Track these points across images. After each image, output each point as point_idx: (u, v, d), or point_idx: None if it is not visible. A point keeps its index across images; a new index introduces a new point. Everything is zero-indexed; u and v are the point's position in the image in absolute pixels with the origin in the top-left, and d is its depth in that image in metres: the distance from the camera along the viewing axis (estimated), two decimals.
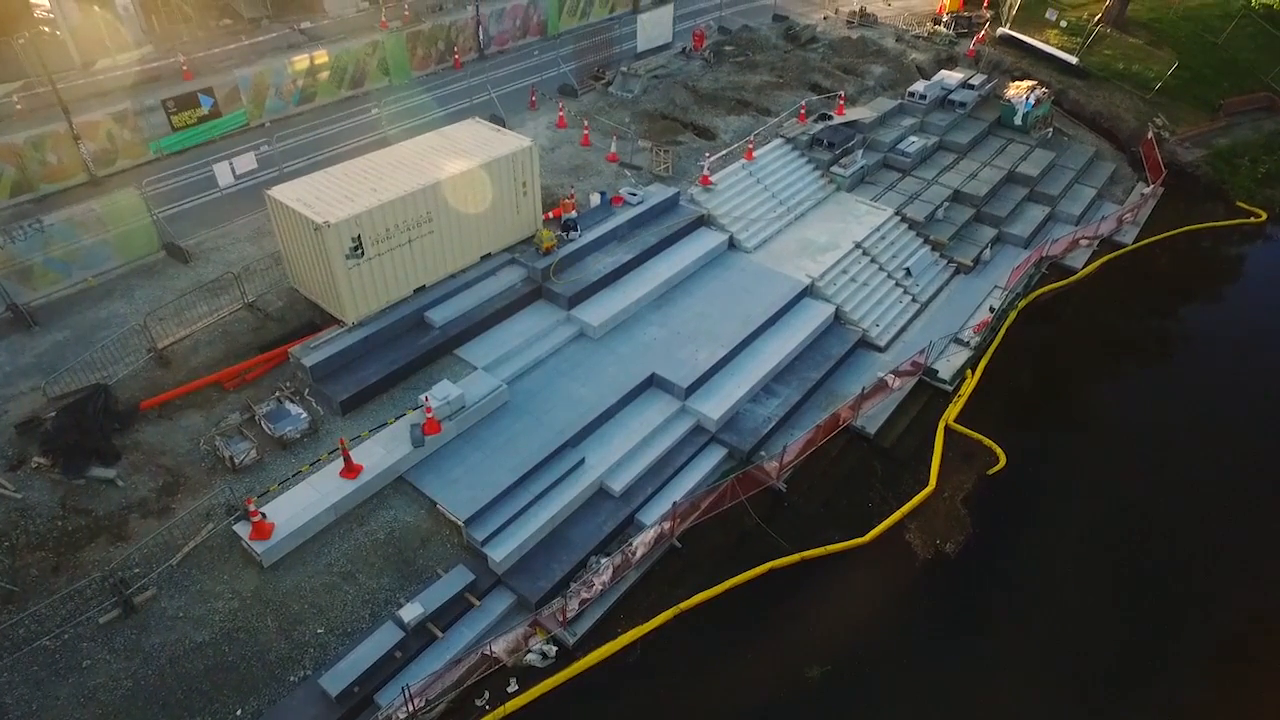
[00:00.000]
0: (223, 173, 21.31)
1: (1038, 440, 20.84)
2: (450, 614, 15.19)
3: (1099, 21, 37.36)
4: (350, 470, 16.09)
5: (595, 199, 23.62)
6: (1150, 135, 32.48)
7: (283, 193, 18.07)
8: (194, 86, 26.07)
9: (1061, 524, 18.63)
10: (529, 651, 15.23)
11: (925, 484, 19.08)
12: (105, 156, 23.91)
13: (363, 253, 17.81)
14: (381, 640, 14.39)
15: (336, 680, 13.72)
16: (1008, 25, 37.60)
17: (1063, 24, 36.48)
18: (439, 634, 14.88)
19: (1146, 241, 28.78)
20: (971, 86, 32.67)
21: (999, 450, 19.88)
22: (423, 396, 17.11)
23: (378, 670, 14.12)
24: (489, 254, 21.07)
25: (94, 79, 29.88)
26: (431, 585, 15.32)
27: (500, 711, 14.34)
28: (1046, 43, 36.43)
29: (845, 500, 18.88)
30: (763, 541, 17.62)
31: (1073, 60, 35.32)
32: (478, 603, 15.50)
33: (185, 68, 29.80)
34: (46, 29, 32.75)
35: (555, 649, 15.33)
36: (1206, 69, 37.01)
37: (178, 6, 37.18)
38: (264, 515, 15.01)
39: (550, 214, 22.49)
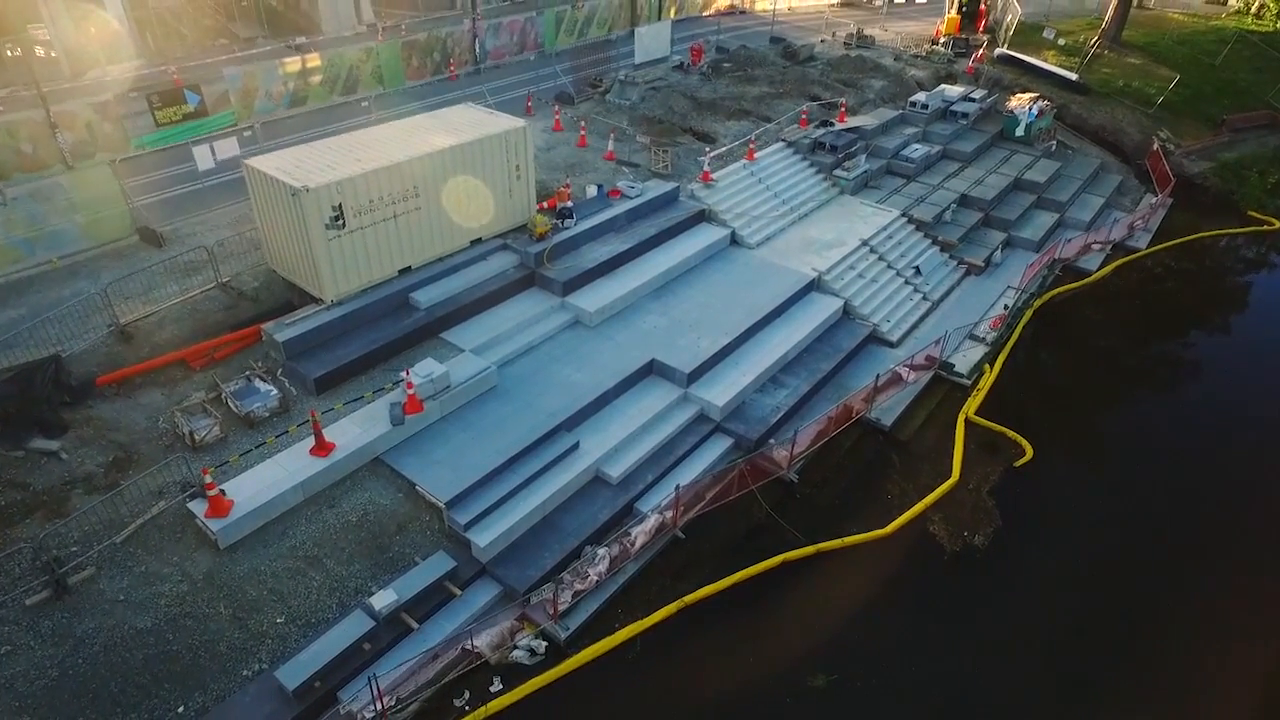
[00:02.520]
0: (203, 156, 20.37)
1: (1060, 434, 19.45)
2: (428, 604, 13.55)
3: (1096, 43, 37.37)
4: (321, 448, 14.66)
5: (592, 191, 22.72)
6: (1156, 147, 32.01)
7: (262, 162, 17.07)
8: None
9: (1093, 520, 17.12)
10: (515, 647, 13.58)
11: (947, 476, 17.65)
12: (84, 149, 23.03)
13: (344, 223, 16.72)
14: (349, 630, 12.75)
15: (295, 673, 12.05)
16: (1005, 46, 37.60)
17: (1061, 42, 36.45)
18: (414, 625, 13.24)
19: (1161, 246, 27.96)
20: (973, 99, 32.36)
21: (1025, 443, 18.50)
22: (404, 371, 15.80)
23: (343, 663, 12.45)
24: (479, 239, 20.02)
25: (81, 84, 29.38)
26: (407, 572, 13.75)
27: (482, 712, 12.62)
28: (1045, 61, 36.32)
29: (862, 492, 17.41)
30: (774, 534, 16.10)
31: (1072, 77, 35.13)
32: (459, 592, 13.88)
33: (176, 77, 29.31)
34: (41, 50, 32.54)
35: (545, 644, 13.67)
36: (1206, 87, 36.87)
37: (174, 27, 37.19)
38: (223, 492, 13.54)
39: (544, 204, 21.52)
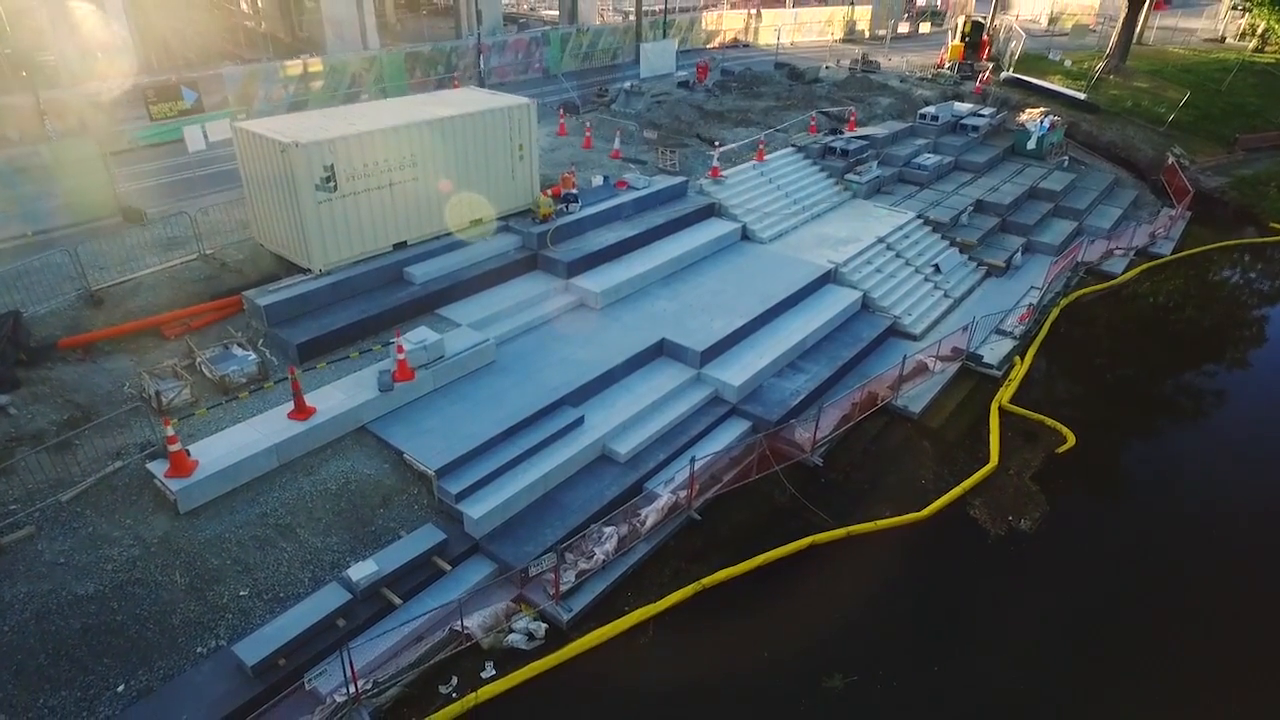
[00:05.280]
0: (194, 138, 19.60)
1: (1099, 424, 17.99)
2: (413, 580, 12.00)
3: (1102, 67, 37.32)
4: (301, 411, 13.29)
5: (598, 180, 21.90)
6: (1171, 161, 31.45)
7: (252, 124, 16.22)
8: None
9: (1143, 507, 15.62)
10: (511, 631, 11.94)
11: (983, 462, 16.20)
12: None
13: (335, 186, 15.72)
14: (322, 603, 11.20)
15: (256, 647, 10.46)
16: (1010, 70, 37.54)
17: (1067, 63, 36.35)
18: (397, 601, 11.66)
19: (1187, 253, 27.08)
20: (982, 115, 31.98)
21: (1066, 430, 17.10)
22: (395, 331, 14.56)
23: (313, 640, 10.85)
24: (479, 219, 19.02)
25: (79, 91, 28.91)
26: (391, 544, 12.24)
27: (470, 700, 10.93)
28: (1052, 84, 36.16)
29: (892, 478, 15.92)
30: (798, 519, 14.57)
31: (1081, 96, 34.89)
32: (449, 568, 12.33)
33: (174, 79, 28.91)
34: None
35: (544, 627, 12.04)
36: (1215, 109, 36.64)
37: (179, 51, 37.19)
38: (187, 451, 12.13)
39: (548, 191, 20.63)
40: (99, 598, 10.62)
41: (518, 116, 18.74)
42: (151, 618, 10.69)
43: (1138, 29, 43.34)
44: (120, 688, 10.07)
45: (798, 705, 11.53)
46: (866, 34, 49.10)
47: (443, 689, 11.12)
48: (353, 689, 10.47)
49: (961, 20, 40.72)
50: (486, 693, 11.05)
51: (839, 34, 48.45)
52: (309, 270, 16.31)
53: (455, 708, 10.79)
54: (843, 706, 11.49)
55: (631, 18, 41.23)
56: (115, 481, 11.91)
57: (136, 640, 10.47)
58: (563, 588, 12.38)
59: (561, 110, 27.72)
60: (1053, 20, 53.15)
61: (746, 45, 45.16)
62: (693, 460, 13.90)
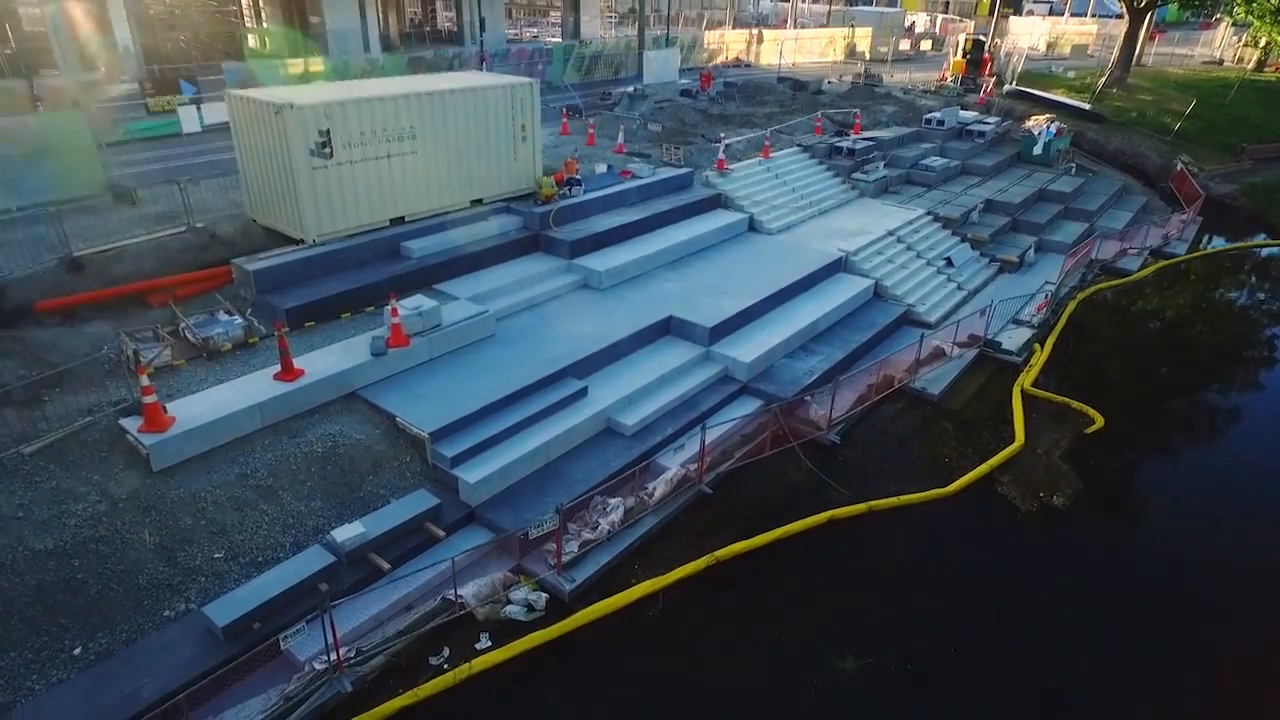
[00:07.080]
0: (189, 118, 19.11)
1: (1126, 407, 17.19)
2: (402, 546, 11.10)
3: (1105, 80, 37.31)
4: (288, 373, 12.51)
5: (601, 168, 21.40)
6: (1180, 168, 31.13)
7: (248, 91, 15.77)
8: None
9: (1175, 488, 14.77)
10: (509, 602, 10.99)
11: (1009, 442, 15.35)
12: None
13: (331, 153, 15.17)
14: (303, 565, 10.29)
15: (229, 608, 9.54)
16: (1013, 84, 37.51)
17: (1070, 74, 36.31)
18: (385, 566, 10.73)
19: (1202, 253, 26.55)
20: (987, 122, 31.75)
21: (1094, 412, 16.29)
22: (390, 296, 13.83)
23: (292, 604, 9.90)
24: (480, 200, 18.47)
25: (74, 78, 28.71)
26: (381, 509, 11.36)
27: (463, 670, 9.94)
28: (1056, 95, 36.09)
29: (913, 456, 15.09)
30: (815, 496, 13.64)
31: (1085, 107, 34.75)
32: (442, 534, 11.42)
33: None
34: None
35: (545, 598, 11.09)
36: (1220, 120, 36.51)
37: (182, 63, 37.20)
38: (164, 407, 11.32)
39: (550, 177, 20.11)
40: (58, 554, 9.71)
41: (520, 95, 18.30)
42: (115, 577, 9.77)
43: (1137, 50, 43.52)
44: (77, 650, 9.12)
45: (809, 686, 10.49)
46: (867, 55, 49.40)
47: (433, 660, 10.14)
48: (334, 656, 9.51)
49: (963, 38, 40.97)
50: (481, 664, 10.07)
51: (840, 55, 48.75)
52: (302, 241, 15.68)
53: (447, 678, 9.80)
54: (855, 689, 10.45)
55: (632, 36, 41.45)
56: (85, 437, 11.07)
57: (98, 601, 9.54)
58: (565, 558, 11.46)
59: (565, 110, 27.42)
60: (1050, 45, 53.59)
61: (748, 65, 45.33)
62: (703, 428, 13.09)
